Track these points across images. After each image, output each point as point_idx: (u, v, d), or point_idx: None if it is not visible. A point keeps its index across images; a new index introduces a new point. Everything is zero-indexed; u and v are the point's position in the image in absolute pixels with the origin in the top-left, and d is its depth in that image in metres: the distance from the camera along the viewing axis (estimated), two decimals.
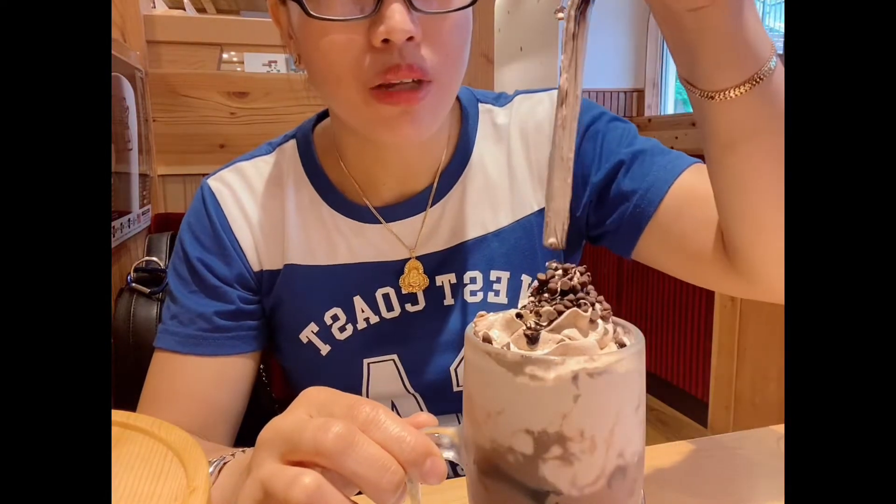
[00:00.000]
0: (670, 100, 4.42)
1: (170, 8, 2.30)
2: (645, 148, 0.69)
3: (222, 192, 0.71)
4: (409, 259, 0.70)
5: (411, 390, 0.72)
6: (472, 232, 0.71)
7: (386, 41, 0.54)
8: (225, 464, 0.49)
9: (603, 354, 0.31)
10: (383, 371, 0.71)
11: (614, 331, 0.33)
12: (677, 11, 0.45)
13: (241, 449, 0.53)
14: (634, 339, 0.32)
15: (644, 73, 4.36)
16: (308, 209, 0.70)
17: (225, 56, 1.79)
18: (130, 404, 0.69)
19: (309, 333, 0.70)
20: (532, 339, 0.31)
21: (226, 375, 0.68)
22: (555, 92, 0.74)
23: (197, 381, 0.67)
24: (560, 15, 4.23)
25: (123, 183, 1.29)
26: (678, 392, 2.54)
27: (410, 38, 0.54)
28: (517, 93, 0.77)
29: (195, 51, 1.71)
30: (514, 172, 0.72)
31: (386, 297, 0.70)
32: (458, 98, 0.74)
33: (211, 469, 0.48)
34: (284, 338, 0.73)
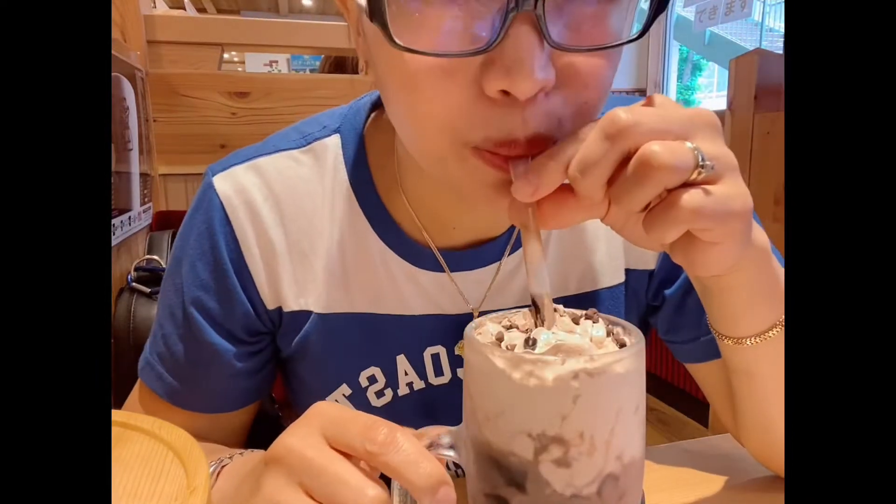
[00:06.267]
0: None
1: (170, 8, 2.30)
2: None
3: (233, 202, 0.55)
4: (471, 316, 0.57)
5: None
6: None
7: (505, 92, 0.35)
8: (223, 467, 0.48)
9: (603, 354, 0.30)
10: None
11: (611, 332, 0.33)
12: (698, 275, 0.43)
13: (238, 451, 0.50)
14: (634, 339, 0.32)
15: (646, 74, 4.36)
16: (351, 241, 0.56)
17: (226, 56, 1.79)
18: None
19: (339, 396, 0.58)
20: (532, 341, 0.31)
21: (219, 426, 0.60)
22: None
23: (187, 427, 0.60)
24: None
25: (124, 183, 1.29)
26: (678, 392, 2.54)
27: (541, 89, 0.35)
28: None
29: (196, 51, 1.71)
30: (611, 234, 0.56)
31: (436, 358, 0.58)
32: None
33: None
34: (306, 393, 0.60)
